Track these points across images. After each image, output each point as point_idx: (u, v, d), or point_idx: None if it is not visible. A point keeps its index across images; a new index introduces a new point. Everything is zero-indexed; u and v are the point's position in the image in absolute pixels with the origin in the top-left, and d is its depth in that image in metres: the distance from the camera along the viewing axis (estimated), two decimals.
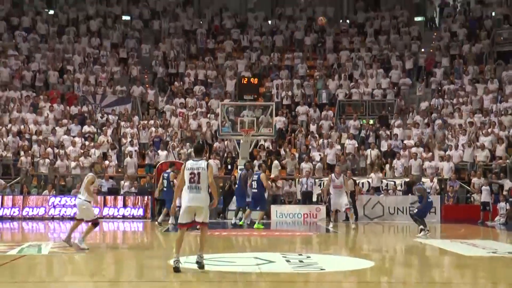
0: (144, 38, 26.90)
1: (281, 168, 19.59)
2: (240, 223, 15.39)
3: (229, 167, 19.60)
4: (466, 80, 23.23)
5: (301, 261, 8.89)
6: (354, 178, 18.34)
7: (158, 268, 8.44)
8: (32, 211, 17.69)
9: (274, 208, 18.03)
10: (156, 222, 15.24)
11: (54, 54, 24.67)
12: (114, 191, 18.51)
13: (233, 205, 16.98)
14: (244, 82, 18.42)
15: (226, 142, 20.68)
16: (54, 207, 17.73)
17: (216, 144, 20.68)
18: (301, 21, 27.53)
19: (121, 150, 20.51)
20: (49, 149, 19.70)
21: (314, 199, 18.63)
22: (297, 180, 18.98)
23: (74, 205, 17.31)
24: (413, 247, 11.72)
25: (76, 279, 7.68)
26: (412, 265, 9.45)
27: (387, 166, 19.59)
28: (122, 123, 21.52)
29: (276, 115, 20.24)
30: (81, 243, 9.93)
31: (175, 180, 14.00)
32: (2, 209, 17.67)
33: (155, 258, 9.56)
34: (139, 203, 17.94)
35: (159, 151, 19.93)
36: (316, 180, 18.78)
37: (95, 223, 10.23)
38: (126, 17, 28.00)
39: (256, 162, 18.21)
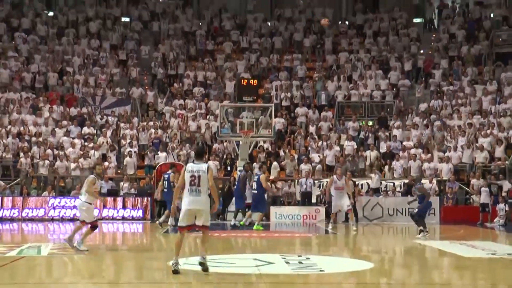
0: (143, 40, 26.93)
1: (280, 169, 19.61)
2: (241, 223, 15.47)
3: (229, 168, 19.62)
4: (465, 81, 23.26)
5: (300, 263, 8.90)
6: (354, 179, 18.35)
7: (157, 270, 8.45)
8: (32, 212, 17.70)
9: (273, 210, 18.04)
10: (157, 223, 15.28)
11: (53, 55, 24.71)
12: (113, 193, 18.52)
13: (232, 207, 16.99)
14: (244, 84, 18.45)
15: (225, 144, 20.70)
16: (54, 208, 17.74)
17: (215, 146, 20.70)
18: (300, 22, 27.56)
19: (121, 152, 20.52)
20: (48, 151, 19.72)
21: (314, 200, 18.65)
22: (296, 181, 19.00)
23: (74, 207, 17.40)
24: (412, 248, 11.74)
25: (75, 281, 7.69)
26: (411, 266, 9.47)
27: (386, 167, 19.61)
28: (122, 125, 21.54)
29: (275, 116, 20.27)
30: (80, 245, 9.93)
31: (175, 181, 14.06)
32: (2, 210, 17.67)
33: (154, 260, 9.57)
34: (139, 205, 17.95)
35: (159, 153, 19.94)
36: (315, 181, 18.80)
37: (93, 225, 10.23)
38: (125, 19, 28.04)
39: (256, 164, 18.23)
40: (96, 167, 10.79)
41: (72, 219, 17.23)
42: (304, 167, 19.10)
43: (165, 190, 15.02)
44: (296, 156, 20.18)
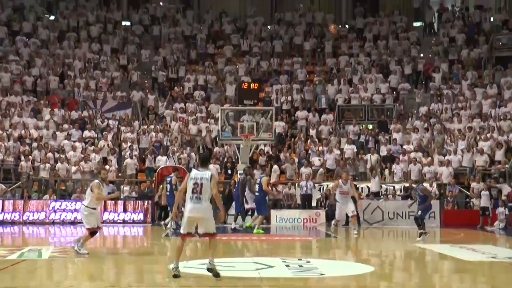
0: (144, 44, 26.99)
1: (281, 173, 19.63)
2: (247, 224, 15.54)
3: (229, 172, 19.65)
4: (465, 85, 23.30)
5: (300, 266, 8.91)
6: (354, 183, 18.36)
7: (157, 273, 8.47)
8: (33, 215, 17.72)
9: (274, 213, 18.05)
10: (162, 223, 15.39)
11: (54, 59, 24.75)
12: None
13: (232, 210, 17.02)
14: (244, 87, 18.48)
15: (226, 147, 20.73)
16: (55, 211, 17.77)
17: (216, 149, 20.73)
18: (300, 26, 27.62)
19: (121, 155, 20.56)
20: (49, 154, 19.75)
21: (314, 203, 18.66)
22: (296, 184, 19.02)
23: (75, 210, 17.45)
24: (412, 252, 11.75)
25: (76, 284, 7.71)
26: (411, 270, 9.49)
27: (386, 171, 19.62)
28: (123, 128, 21.58)
29: (276, 120, 20.30)
30: (80, 249, 9.94)
31: (178, 184, 14.21)
32: (2, 213, 17.69)
33: (155, 263, 9.58)
34: (139, 208, 17.98)
35: (159, 156, 19.98)
36: (316, 185, 18.82)
37: (92, 232, 10.18)
38: (126, 23, 28.10)
39: (255, 171, 18.22)
40: (101, 171, 10.77)
41: (73, 222, 17.26)
42: (305, 170, 19.12)
43: (167, 193, 15.12)
44: (296, 160, 20.21)
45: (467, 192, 18.72)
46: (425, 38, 27.54)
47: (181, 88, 24.42)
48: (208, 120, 22.17)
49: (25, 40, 25.53)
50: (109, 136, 20.85)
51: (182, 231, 7.83)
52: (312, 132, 21.85)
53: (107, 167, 19.11)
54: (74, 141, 20.48)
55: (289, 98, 23.51)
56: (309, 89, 24.15)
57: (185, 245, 8.18)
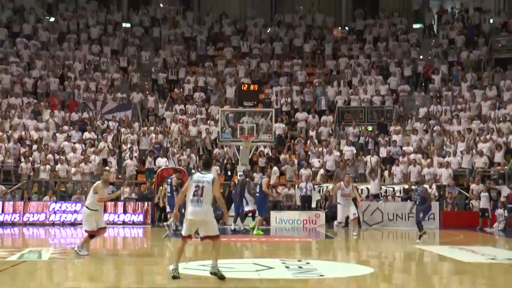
0: (144, 45, 27.03)
1: (281, 174, 19.65)
2: (251, 226, 15.56)
3: (229, 173, 19.67)
4: (465, 86, 23.33)
5: (300, 267, 8.93)
6: (354, 184, 18.37)
7: (157, 274, 8.49)
8: (33, 217, 17.73)
9: (273, 214, 18.06)
10: (165, 224, 15.45)
11: (54, 61, 24.79)
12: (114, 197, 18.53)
13: (232, 211, 17.03)
14: (244, 89, 18.51)
15: (226, 149, 20.76)
16: (55, 213, 17.78)
17: (216, 151, 20.76)
18: (300, 28, 27.66)
19: (121, 156, 20.58)
20: (49, 155, 19.77)
21: (313, 204, 18.68)
22: (296, 185, 19.04)
23: (75, 211, 17.48)
24: (412, 253, 11.77)
25: (76, 285, 7.73)
26: (411, 271, 9.51)
27: (386, 172, 19.65)
28: (123, 130, 21.60)
29: (276, 121, 20.32)
30: (80, 250, 9.95)
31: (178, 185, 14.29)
32: (3, 215, 17.70)
33: (154, 264, 9.60)
34: (139, 209, 18.00)
35: (159, 158, 20.00)
36: (315, 186, 18.84)
37: (91, 234, 10.19)
38: (126, 25, 28.15)
39: (255, 174, 18.24)
40: (104, 173, 10.79)
41: (73, 224, 17.28)
42: (304, 172, 19.14)
43: (168, 194, 15.18)
44: (296, 161, 20.23)
45: (467, 194, 18.75)
46: (424, 40, 27.59)
47: (181, 89, 24.45)
48: (208, 121, 22.20)
49: (25, 42, 25.57)
50: (109, 138, 20.88)
51: (183, 233, 7.88)
52: (312, 133, 21.87)
53: (107, 168, 19.14)
54: (74, 143, 20.51)
55: (289, 99, 23.54)
56: (309, 90, 24.18)
57: (186, 247, 8.19)
